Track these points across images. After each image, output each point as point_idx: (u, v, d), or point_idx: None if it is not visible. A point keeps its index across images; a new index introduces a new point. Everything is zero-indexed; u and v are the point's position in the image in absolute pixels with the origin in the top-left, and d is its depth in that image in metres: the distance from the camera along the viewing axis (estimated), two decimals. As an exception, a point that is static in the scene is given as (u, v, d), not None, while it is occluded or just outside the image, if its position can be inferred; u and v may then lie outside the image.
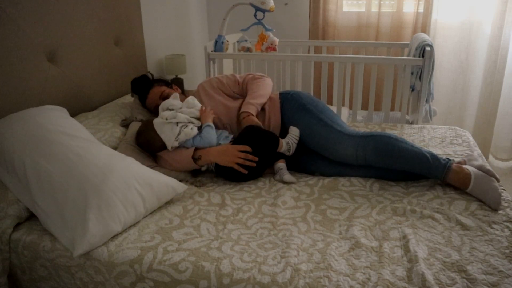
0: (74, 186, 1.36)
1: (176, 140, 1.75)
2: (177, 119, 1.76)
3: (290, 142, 1.80)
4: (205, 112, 1.85)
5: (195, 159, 1.74)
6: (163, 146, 1.78)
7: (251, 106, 1.88)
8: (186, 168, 1.78)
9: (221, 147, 1.76)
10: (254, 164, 1.70)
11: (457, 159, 1.75)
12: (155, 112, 1.99)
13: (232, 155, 1.70)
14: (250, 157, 1.70)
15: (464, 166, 1.60)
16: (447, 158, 1.64)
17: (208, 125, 1.80)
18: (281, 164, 1.79)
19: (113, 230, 1.33)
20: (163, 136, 1.76)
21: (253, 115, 1.85)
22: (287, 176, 1.74)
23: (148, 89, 2.03)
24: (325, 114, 1.85)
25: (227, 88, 2.03)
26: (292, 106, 1.92)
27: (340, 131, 1.77)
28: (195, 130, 1.77)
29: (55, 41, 1.90)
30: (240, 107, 1.95)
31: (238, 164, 1.70)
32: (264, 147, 1.75)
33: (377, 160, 1.67)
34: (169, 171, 1.74)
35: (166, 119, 1.75)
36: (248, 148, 1.71)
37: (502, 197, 1.50)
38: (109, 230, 1.32)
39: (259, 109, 1.91)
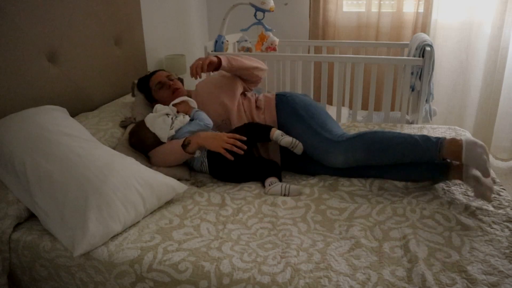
0: (74, 186, 1.36)
1: (172, 129, 1.79)
2: (166, 111, 1.84)
3: (291, 139, 1.76)
4: (182, 105, 1.89)
5: (184, 145, 1.73)
6: (155, 144, 1.80)
7: (224, 57, 1.91)
8: (178, 159, 1.77)
9: (211, 132, 1.78)
10: (242, 152, 1.68)
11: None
12: (154, 91, 2.03)
13: (220, 139, 1.70)
14: (239, 143, 1.68)
15: (457, 138, 1.59)
16: (438, 137, 1.62)
17: (196, 110, 1.87)
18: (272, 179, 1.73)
19: (113, 230, 1.33)
20: (157, 130, 1.80)
21: (221, 60, 1.88)
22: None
23: (155, 72, 2.11)
24: (315, 120, 1.83)
25: (226, 78, 2.02)
26: (285, 109, 1.91)
27: (328, 139, 1.74)
28: (187, 118, 1.84)
29: (55, 41, 1.90)
30: (237, 108, 1.96)
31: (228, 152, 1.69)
32: (256, 133, 1.78)
33: (367, 157, 1.66)
34: (166, 170, 1.74)
35: (156, 111, 1.86)
36: (239, 136, 1.71)
37: (502, 198, 1.51)
38: (109, 230, 1.32)
39: (230, 64, 1.91)
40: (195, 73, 1.84)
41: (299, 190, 1.64)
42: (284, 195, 1.62)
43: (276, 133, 1.78)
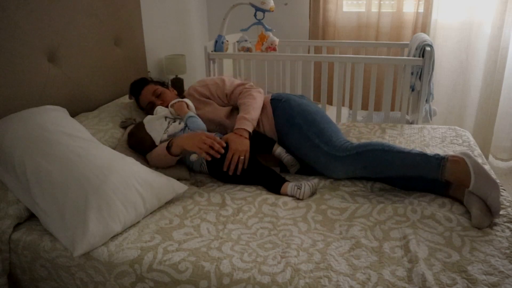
0: (74, 186, 1.36)
1: (165, 133, 1.80)
2: (165, 114, 1.87)
3: (293, 159, 1.82)
4: (178, 105, 1.88)
5: (168, 147, 1.71)
6: (153, 146, 1.81)
7: (247, 122, 1.78)
8: (167, 161, 1.75)
9: (191, 133, 1.76)
10: (218, 156, 1.65)
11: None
12: (147, 111, 2.02)
13: (198, 139, 1.66)
14: (217, 146, 1.65)
15: (460, 158, 1.50)
16: (438, 155, 1.54)
17: (190, 116, 1.85)
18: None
19: (113, 230, 1.33)
20: (153, 133, 1.81)
21: (249, 131, 1.78)
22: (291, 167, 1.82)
23: (143, 86, 2.06)
24: (314, 128, 1.77)
25: (216, 98, 2.00)
26: (282, 116, 1.87)
27: (327, 152, 1.69)
28: (183, 124, 1.85)
29: (55, 41, 1.90)
30: (230, 113, 1.94)
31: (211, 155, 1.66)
32: (258, 144, 1.77)
33: (368, 174, 1.66)
34: (166, 170, 1.74)
35: (157, 113, 1.88)
36: (218, 140, 1.67)
37: (502, 198, 1.50)
38: (109, 230, 1.32)
39: (255, 125, 1.83)
40: (233, 168, 1.69)
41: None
42: (313, 193, 1.63)
43: (279, 149, 1.82)
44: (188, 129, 1.83)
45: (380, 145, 1.63)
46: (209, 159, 1.66)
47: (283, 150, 1.82)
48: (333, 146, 1.70)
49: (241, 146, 1.71)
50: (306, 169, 1.83)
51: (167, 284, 1.22)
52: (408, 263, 1.21)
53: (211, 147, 1.65)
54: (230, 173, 1.69)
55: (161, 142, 1.80)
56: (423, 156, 1.55)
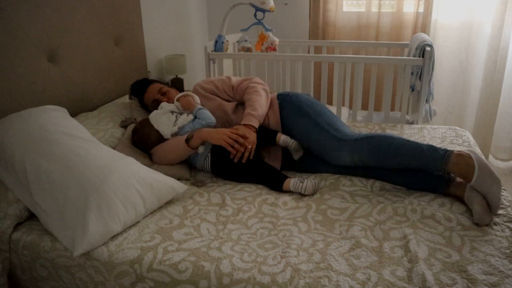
0: (74, 186, 1.36)
1: (175, 126, 1.81)
2: (171, 108, 1.88)
3: (294, 142, 1.82)
4: (186, 100, 1.89)
5: (187, 140, 1.74)
6: (158, 142, 1.82)
7: (254, 119, 1.81)
8: (180, 154, 1.78)
9: (216, 129, 1.81)
10: (242, 150, 1.71)
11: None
12: (152, 108, 2.03)
13: (223, 133, 1.73)
14: (241, 140, 1.71)
15: (465, 153, 1.51)
16: (445, 148, 1.57)
17: (200, 108, 1.88)
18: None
19: (113, 230, 1.33)
20: (161, 127, 1.83)
21: (255, 128, 1.81)
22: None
23: (148, 84, 2.09)
24: (322, 118, 1.83)
25: (222, 93, 2.02)
26: (290, 108, 1.90)
27: (336, 136, 1.74)
28: (191, 116, 1.86)
29: (55, 41, 1.90)
30: (236, 110, 1.96)
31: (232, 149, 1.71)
32: (262, 137, 1.79)
33: (373, 161, 1.66)
34: (166, 170, 1.74)
35: (161, 108, 1.89)
36: (240, 133, 1.73)
37: (502, 198, 1.50)
38: (109, 230, 1.32)
39: (262, 121, 1.86)
40: (238, 157, 1.73)
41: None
42: (315, 192, 1.64)
43: (283, 137, 1.83)
44: (198, 119, 1.84)
45: (389, 134, 1.69)
46: (235, 152, 1.71)
47: (287, 137, 1.83)
48: (342, 132, 1.76)
49: (250, 136, 1.75)
50: (308, 167, 1.84)
51: (167, 284, 1.22)
52: (408, 263, 1.21)
53: (236, 142, 1.71)
54: (236, 160, 1.72)
55: (171, 135, 1.82)
56: (429, 146, 1.58)
